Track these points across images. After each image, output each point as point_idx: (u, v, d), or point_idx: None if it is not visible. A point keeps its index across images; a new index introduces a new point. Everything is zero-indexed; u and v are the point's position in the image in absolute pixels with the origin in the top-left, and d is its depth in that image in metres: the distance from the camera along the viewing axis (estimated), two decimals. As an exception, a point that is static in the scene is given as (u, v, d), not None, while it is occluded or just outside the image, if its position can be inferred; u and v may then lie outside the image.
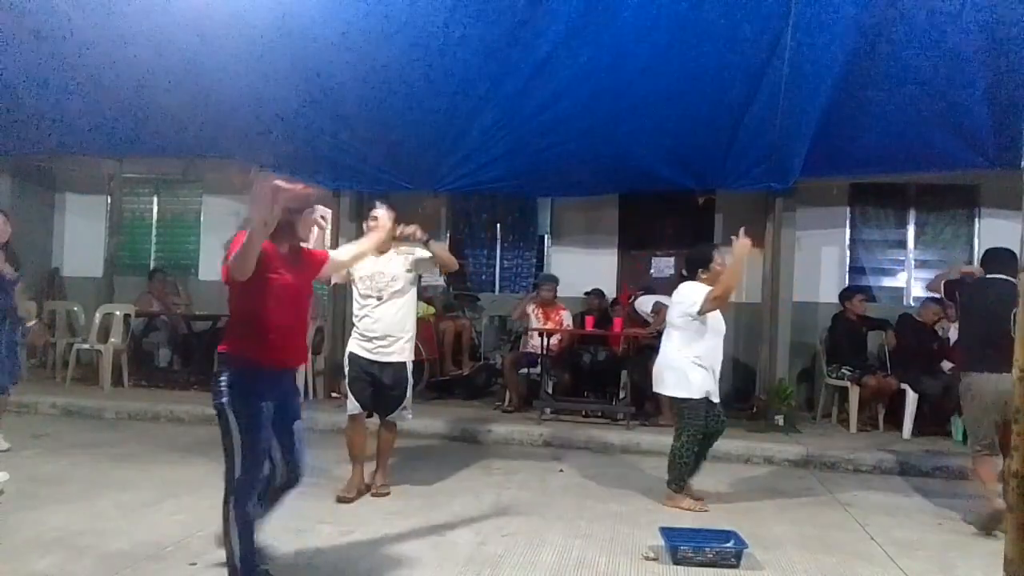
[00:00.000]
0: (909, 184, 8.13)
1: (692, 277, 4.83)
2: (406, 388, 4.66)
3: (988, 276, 4.77)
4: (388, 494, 4.69)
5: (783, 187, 7.08)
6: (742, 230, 4.70)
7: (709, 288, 4.63)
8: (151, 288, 8.68)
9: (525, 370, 7.65)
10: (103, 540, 3.68)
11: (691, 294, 4.69)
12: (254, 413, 2.87)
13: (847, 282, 8.28)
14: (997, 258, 4.77)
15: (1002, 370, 4.21)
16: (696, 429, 4.67)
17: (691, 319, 4.66)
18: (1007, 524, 2.15)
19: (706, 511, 4.63)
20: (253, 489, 2.87)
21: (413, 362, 4.78)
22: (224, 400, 2.87)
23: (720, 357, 4.78)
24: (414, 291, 4.70)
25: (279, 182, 2.80)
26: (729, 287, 4.61)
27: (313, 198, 3.09)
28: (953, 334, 7.25)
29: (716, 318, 4.74)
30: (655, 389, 5.00)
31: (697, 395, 4.65)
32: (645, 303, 7.61)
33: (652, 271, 8.83)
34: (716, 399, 4.75)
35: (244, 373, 2.89)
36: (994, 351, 4.33)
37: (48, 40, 6.23)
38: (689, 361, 4.67)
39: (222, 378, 2.89)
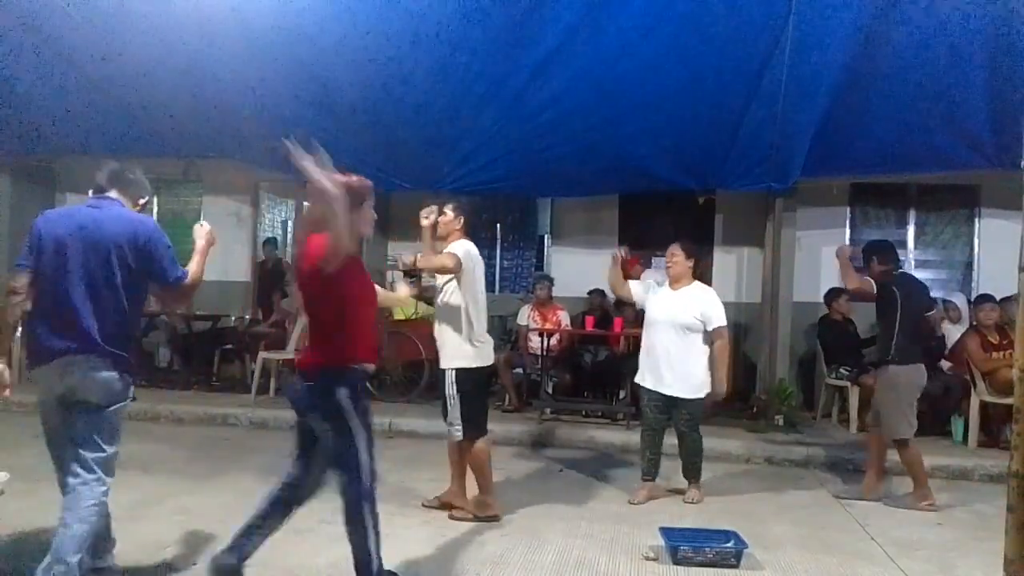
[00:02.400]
0: (909, 184, 8.13)
1: None
2: (445, 399, 4.34)
3: (906, 272, 5.16)
4: (466, 519, 4.26)
5: (783, 187, 7.08)
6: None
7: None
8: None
9: (519, 370, 7.65)
10: (103, 540, 3.67)
11: None
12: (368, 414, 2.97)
13: (847, 282, 8.28)
14: (893, 251, 5.22)
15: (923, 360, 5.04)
16: (646, 415, 4.99)
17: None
18: (1008, 524, 2.15)
19: (635, 503, 4.82)
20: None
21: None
22: (348, 410, 2.91)
23: (664, 347, 4.87)
24: (453, 297, 4.39)
25: (342, 178, 2.84)
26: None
27: (370, 190, 3.06)
28: (954, 334, 7.27)
29: (650, 310, 4.99)
30: None
31: (640, 382, 5.01)
32: (645, 276, 7.53)
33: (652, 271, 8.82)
34: (667, 391, 4.87)
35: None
36: (921, 343, 5.15)
37: (48, 40, 6.24)
38: (642, 356, 5.04)
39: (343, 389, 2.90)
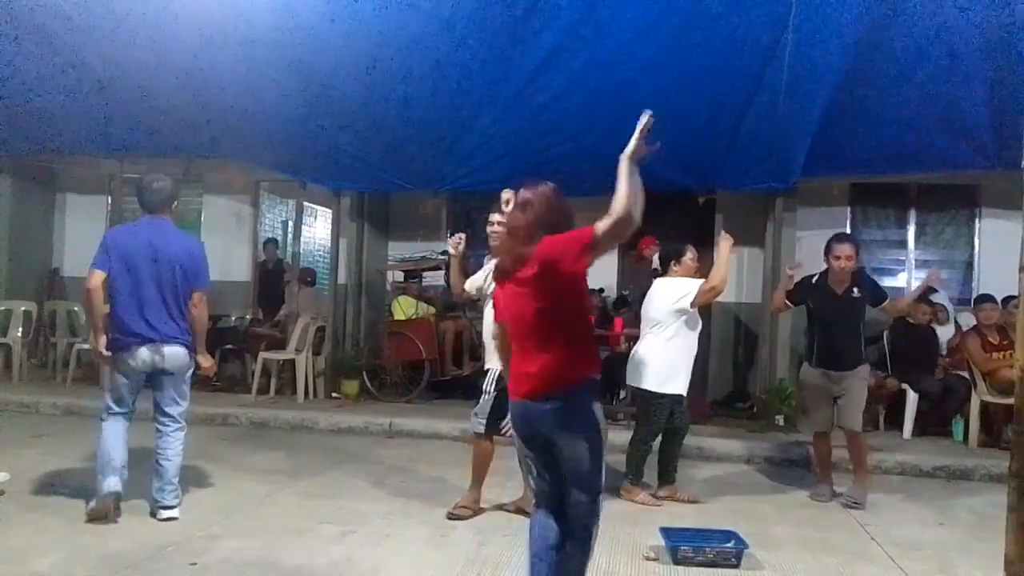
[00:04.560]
0: (909, 184, 8.12)
1: (664, 272, 4.95)
2: (481, 394, 4.36)
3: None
4: (465, 517, 4.31)
5: (783, 187, 7.08)
6: (722, 232, 4.92)
7: (691, 280, 4.75)
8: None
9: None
10: (103, 540, 3.68)
11: (681, 287, 4.73)
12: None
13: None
14: None
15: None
16: (659, 426, 4.79)
17: (681, 313, 4.70)
18: (1008, 524, 2.15)
19: (659, 506, 4.74)
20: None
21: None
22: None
23: (694, 353, 4.85)
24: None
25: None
26: (722, 280, 4.64)
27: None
28: (945, 335, 7.28)
29: (696, 314, 4.81)
30: (629, 382, 5.00)
31: (670, 391, 4.75)
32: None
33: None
34: (683, 390, 4.81)
35: None
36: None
37: (49, 40, 6.24)
38: (669, 358, 4.74)
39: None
